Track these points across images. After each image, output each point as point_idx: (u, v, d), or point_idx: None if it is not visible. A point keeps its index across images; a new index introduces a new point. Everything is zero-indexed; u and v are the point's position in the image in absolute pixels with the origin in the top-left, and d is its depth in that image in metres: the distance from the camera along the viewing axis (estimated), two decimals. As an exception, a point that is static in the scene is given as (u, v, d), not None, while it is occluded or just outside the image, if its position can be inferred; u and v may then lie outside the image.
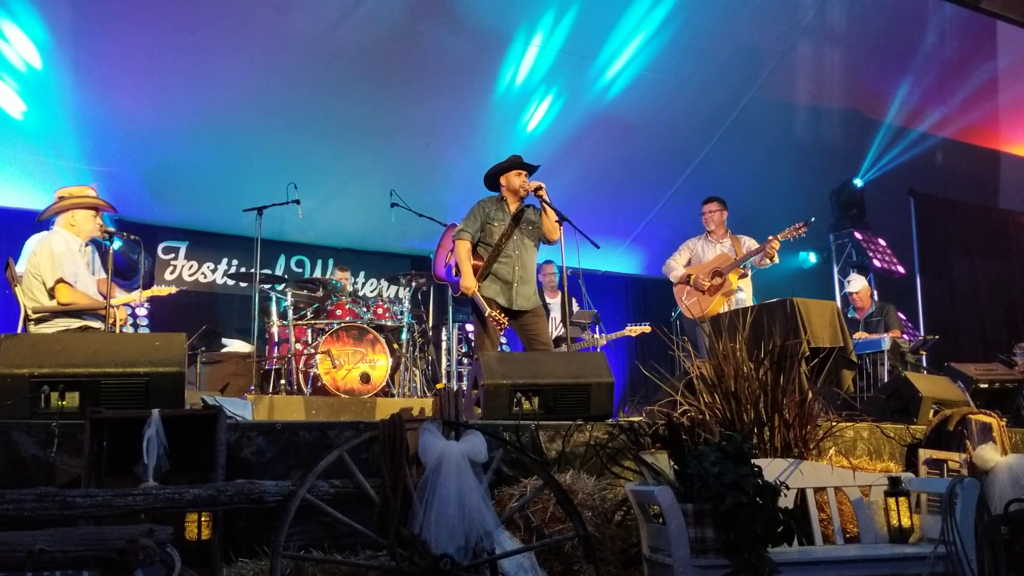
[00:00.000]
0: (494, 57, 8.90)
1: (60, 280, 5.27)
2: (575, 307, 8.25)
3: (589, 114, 9.90)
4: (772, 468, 3.58)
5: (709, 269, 7.06)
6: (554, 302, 8.51)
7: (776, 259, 6.93)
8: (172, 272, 10.03)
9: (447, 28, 8.38)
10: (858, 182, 11.36)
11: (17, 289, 5.39)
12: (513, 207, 5.91)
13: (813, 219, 7.05)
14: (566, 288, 7.13)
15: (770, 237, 6.84)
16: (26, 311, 5.28)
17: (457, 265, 5.85)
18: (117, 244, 8.02)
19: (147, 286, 6.94)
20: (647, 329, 8.72)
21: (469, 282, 5.71)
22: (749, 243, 7.09)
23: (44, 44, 7.69)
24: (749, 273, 7.14)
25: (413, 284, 8.40)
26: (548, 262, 8.76)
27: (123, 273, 8.43)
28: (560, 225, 5.77)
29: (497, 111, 9.46)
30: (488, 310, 5.60)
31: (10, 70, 7.84)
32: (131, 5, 7.56)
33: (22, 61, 7.77)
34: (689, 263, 7.28)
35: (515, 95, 9.44)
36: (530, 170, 5.97)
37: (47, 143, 8.38)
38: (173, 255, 10.12)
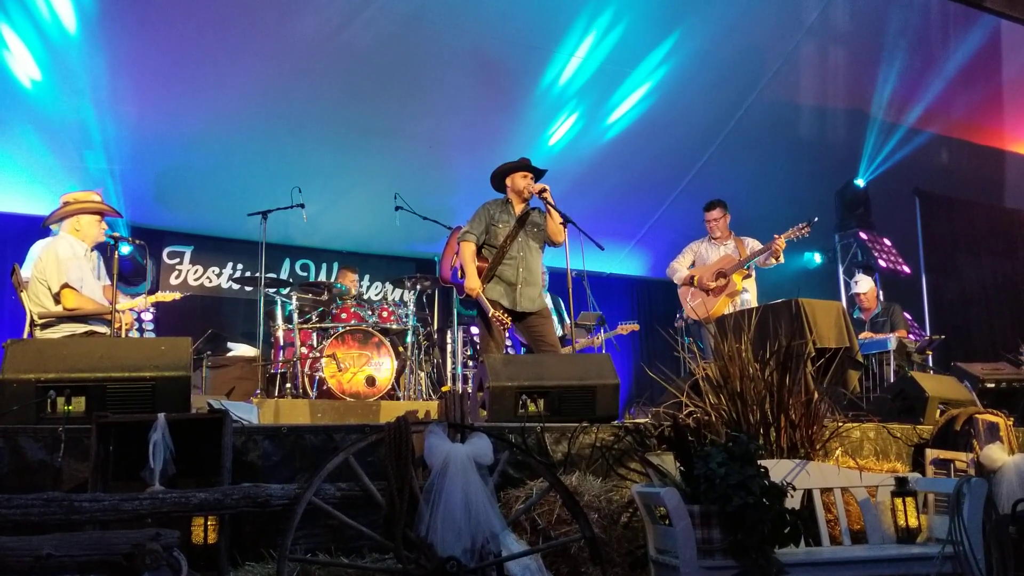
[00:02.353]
0: (503, 63, 8.89)
1: (65, 285, 5.28)
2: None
3: (602, 125, 10.02)
4: (778, 469, 3.57)
5: (713, 270, 7.05)
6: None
7: (781, 258, 6.93)
8: (177, 276, 10.06)
9: (452, 32, 8.39)
10: (860, 182, 11.34)
11: (23, 294, 5.40)
12: (518, 209, 5.91)
13: (816, 219, 7.06)
14: (570, 289, 7.14)
15: (775, 236, 6.84)
16: (32, 316, 5.29)
17: (462, 267, 5.85)
18: (127, 249, 8.07)
19: (151, 291, 6.96)
20: (635, 327, 8.86)
21: (473, 283, 5.71)
22: (753, 244, 7.09)
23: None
24: (753, 274, 7.14)
25: (418, 287, 8.41)
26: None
27: (127, 278, 8.45)
28: (565, 227, 5.77)
29: (506, 117, 9.46)
30: (491, 310, 5.60)
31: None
32: (134, 9, 7.57)
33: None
34: (693, 265, 7.28)
35: (531, 104, 9.47)
36: (537, 174, 5.97)
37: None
38: (178, 259, 10.14)
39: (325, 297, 8.02)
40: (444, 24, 8.29)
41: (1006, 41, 9.72)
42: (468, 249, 5.82)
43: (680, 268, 7.28)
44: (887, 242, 11.41)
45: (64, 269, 5.31)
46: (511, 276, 5.78)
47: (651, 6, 8.75)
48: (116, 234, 5.56)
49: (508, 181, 5.95)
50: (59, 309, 5.31)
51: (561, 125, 9.95)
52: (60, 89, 7.98)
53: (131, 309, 6.10)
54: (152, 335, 8.67)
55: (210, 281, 10.30)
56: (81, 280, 5.38)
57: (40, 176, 8.53)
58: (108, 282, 5.62)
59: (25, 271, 5.62)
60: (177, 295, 6.73)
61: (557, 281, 8.21)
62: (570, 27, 8.78)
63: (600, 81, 9.44)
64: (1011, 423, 4.67)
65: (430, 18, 8.22)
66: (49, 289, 5.31)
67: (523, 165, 5.94)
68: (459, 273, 5.96)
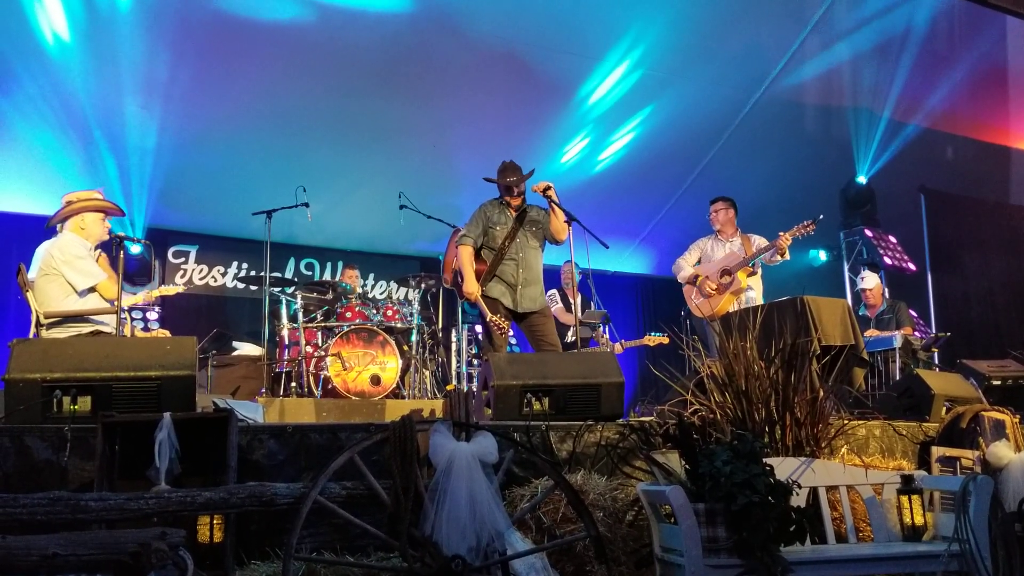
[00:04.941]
0: (510, 65, 8.88)
1: (99, 282, 5.35)
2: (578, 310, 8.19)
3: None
4: (784, 467, 3.57)
5: (718, 268, 7.04)
6: (576, 303, 8.42)
7: (787, 255, 6.91)
8: (182, 276, 10.09)
9: (454, 31, 8.38)
10: (861, 179, 11.31)
11: (29, 295, 5.41)
12: (515, 208, 5.88)
13: (821, 216, 7.04)
14: (575, 287, 7.12)
15: (780, 233, 6.82)
16: (37, 316, 5.30)
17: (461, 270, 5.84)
18: (137, 248, 8.08)
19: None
20: (664, 340, 8.71)
21: (471, 287, 5.69)
22: (759, 241, 7.08)
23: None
24: (759, 271, 7.12)
25: (422, 286, 8.41)
26: (566, 261, 8.69)
27: (132, 277, 8.47)
28: (569, 225, 5.75)
29: (511, 117, 9.44)
30: (489, 315, 5.58)
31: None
32: (139, 11, 7.58)
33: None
34: (699, 263, 7.26)
35: (536, 106, 9.47)
36: (520, 178, 5.89)
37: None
38: (183, 259, 10.16)
39: (330, 296, 8.02)
40: (449, 24, 8.30)
41: (1012, 38, 9.69)
42: (466, 253, 5.80)
43: (685, 266, 7.26)
44: (892, 239, 11.38)
45: (87, 265, 5.35)
46: (511, 276, 5.76)
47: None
48: (122, 234, 5.56)
49: (501, 185, 5.91)
50: (65, 309, 5.31)
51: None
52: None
53: (136, 307, 6.11)
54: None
55: (215, 280, 10.33)
56: (100, 273, 5.43)
57: (45, 176, 8.54)
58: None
59: (31, 271, 5.63)
60: (180, 288, 6.73)
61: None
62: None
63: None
64: (1017, 420, 4.65)
65: (434, 18, 8.22)
66: (72, 284, 5.31)
67: (508, 167, 5.88)
68: (459, 276, 5.95)
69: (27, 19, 7.39)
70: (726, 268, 6.99)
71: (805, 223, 6.88)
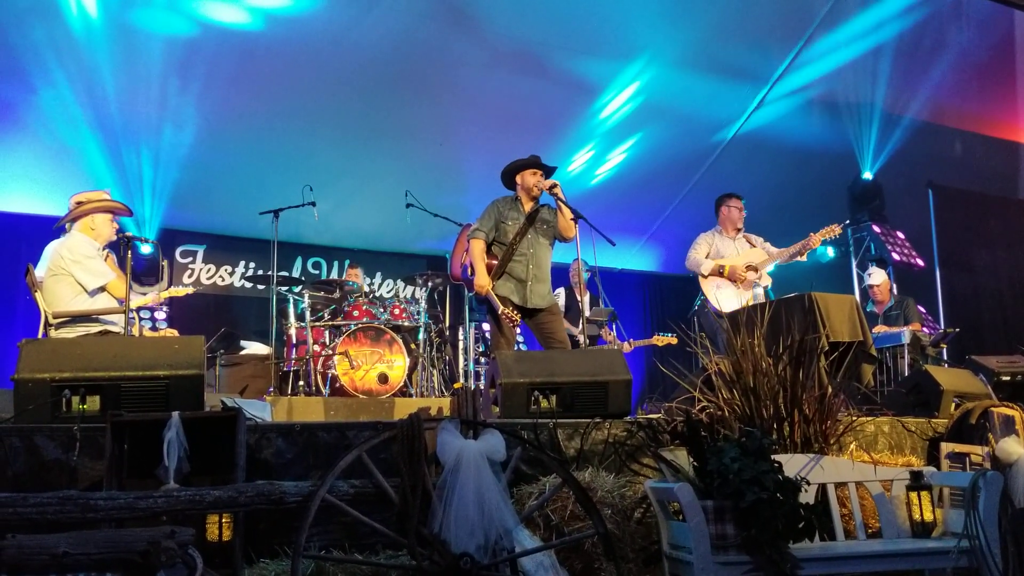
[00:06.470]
0: (516, 65, 8.89)
1: (108, 282, 5.38)
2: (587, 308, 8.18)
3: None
4: (792, 464, 3.56)
5: (743, 263, 6.99)
6: (584, 300, 8.41)
7: (804, 256, 6.92)
8: (190, 275, 10.11)
9: (458, 30, 8.37)
10: (868, 175, 11.28)
11: (37, 294, 5.43)
12: (527, 206, 5.91)
13: (848, 221, 7.03)
14: (582, 285, 7.12)
15: (811, 233, 6.81)
16: (46, 316, 5.32)
17: (472, 264, 5.86)
18: (148, 249, 8.11)
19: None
20: (673, 340, 8.69)
21: (483, 280, 5.71)
22: (760, 241, 7.08)
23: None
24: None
25: (429, 284, 8.41)
26: (574, 259, 8.70)
27: (139, 277, 8.49)
28: (576, 223, 5.76)
29: (517, 117, 9.43)
30: (501, 307, 5.60)
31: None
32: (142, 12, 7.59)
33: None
34: (708, 257, 7.22)
35: (543, 107, 9.47)
36: (547, 171, 5.96)
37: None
38: (191, 258, 10.18)
39: (337, 295, 8.04)
40: (461, 20, 8.29)
41: (1020, 32, 9.65)
42: (478, 246, 5.82)
43: (702, 260, 7.17)
44: (900, 235, 11.33)
45: (97, 265, 5.38)
46: (521, 273, 5.78)
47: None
48: (130, 234, 5.58)
49: (518, 179, 5.96)
50: (73, 309, 5.33)
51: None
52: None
53: (145, 307, 6.13)
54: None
55: (223, 280, 10.34)
56: (110, 273, 5.45)
57: (51, 177, 8.56)
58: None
59: (39, 271, 5.65)
60: (189, 290, 6.75)
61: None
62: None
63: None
64: (1027, 416, 4.63)
65: (446, 14, 8.21)
66: (82, 284, 5.34)
67: (533, 163, 5.94)
68: (469, 270, 5.97)
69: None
70: (751, 265, 6.96)
71: (833, 226, 6.86)
